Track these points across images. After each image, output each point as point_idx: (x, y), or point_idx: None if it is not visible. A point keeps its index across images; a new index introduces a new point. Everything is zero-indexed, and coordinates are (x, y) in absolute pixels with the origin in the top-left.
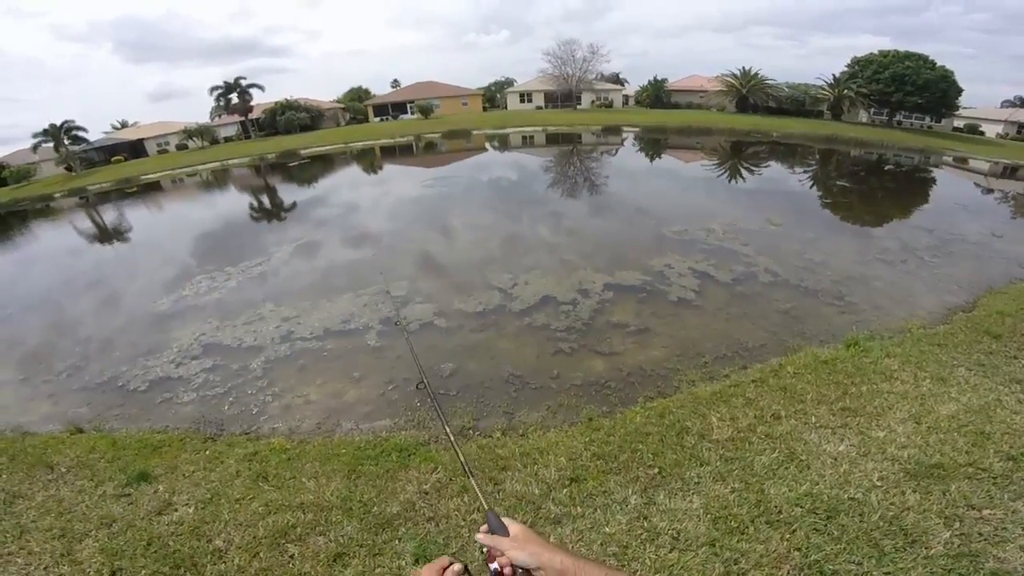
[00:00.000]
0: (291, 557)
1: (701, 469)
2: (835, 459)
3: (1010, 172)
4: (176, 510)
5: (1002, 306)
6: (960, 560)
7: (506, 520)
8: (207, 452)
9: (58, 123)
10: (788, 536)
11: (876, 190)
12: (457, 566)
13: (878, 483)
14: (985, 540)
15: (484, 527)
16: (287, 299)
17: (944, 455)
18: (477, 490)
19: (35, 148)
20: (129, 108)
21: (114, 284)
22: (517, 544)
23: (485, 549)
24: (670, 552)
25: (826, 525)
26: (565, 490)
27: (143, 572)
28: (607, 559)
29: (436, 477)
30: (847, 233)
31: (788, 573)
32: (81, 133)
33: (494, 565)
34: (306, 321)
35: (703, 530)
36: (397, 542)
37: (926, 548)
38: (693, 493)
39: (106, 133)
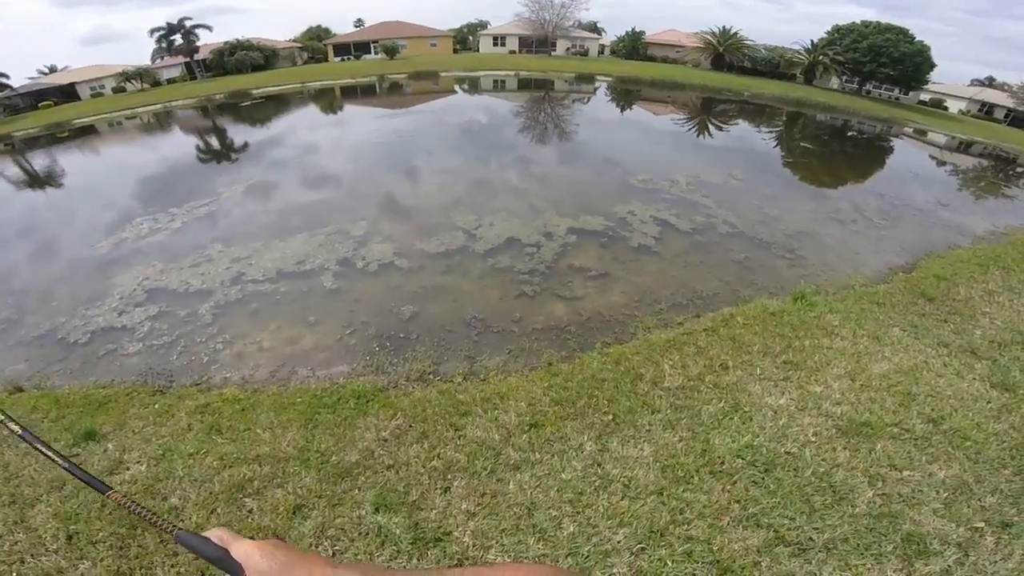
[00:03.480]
0: (249, 511)
1: (652, 416)
2: (775, 412)
3: (964, 147)
4: (128, 468)
5: (939, 270)
6: (881, 520)
7: (214, 533)
8: (156, 406)
9: None
10: (729, 488)
11: (837, 154)
12: None
13: (812, 438)
14: (904, 502)
15: None
16: (237, 240)
17: (873, 414)
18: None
19: None
20: (60, 54)
21: (48, 230)
22: None
23: None
24: (622, 499)
25: (764, 478)
26: (524, 436)
27: (100, 534)
28: (563, 506)
29: (395, 424)
30: (804, 192)
31: (728, 524)
32: (3, 80)
33: None
34: (258, 262)
35: (652, 478)
36: (357, 491)
37: (852, 506)
38: (644, 440)
39: (32, 79)
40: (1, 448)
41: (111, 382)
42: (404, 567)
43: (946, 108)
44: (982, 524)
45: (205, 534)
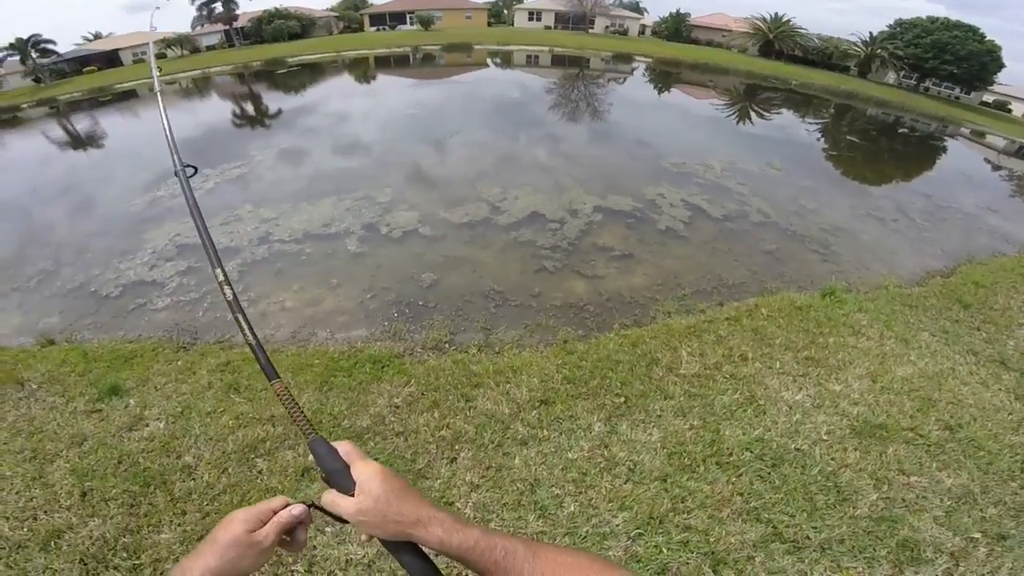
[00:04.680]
0: (259, 472)
1: (665, 403)
2: (790, 407)
3: None
4: (147, 425)
5: (979, 277)
6: (880, 524)
7: (342, 446)
8: (179, 362)
9: (25, 36)
10: (734, 480)
11: (884, 151)
12: (296, 509)
13: (824, 437)
14: (906, 507)
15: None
16: (267, 201)
17: (890, 416)
18: (286, 401)
19: (0, 62)
20: (103, 21)
21: (86, 188)
22: (365, 517)
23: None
24: (625, 483)
25: (770, 473)
26: (534, 412)
27: (113, 491)
28: (566, 485)
29: (408, 391)
30: (845, 187)
31: (728, 516)
32: (50, 46)
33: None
34: (285, 223)
35: (658, 464)
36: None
37: (853, 507)
38: (654, 426)
39: (77, 45)
40: (28, 403)
41: (138, 337)
42: None
43: (1010, 110)
44: (978, 535)
45: (335, 444)
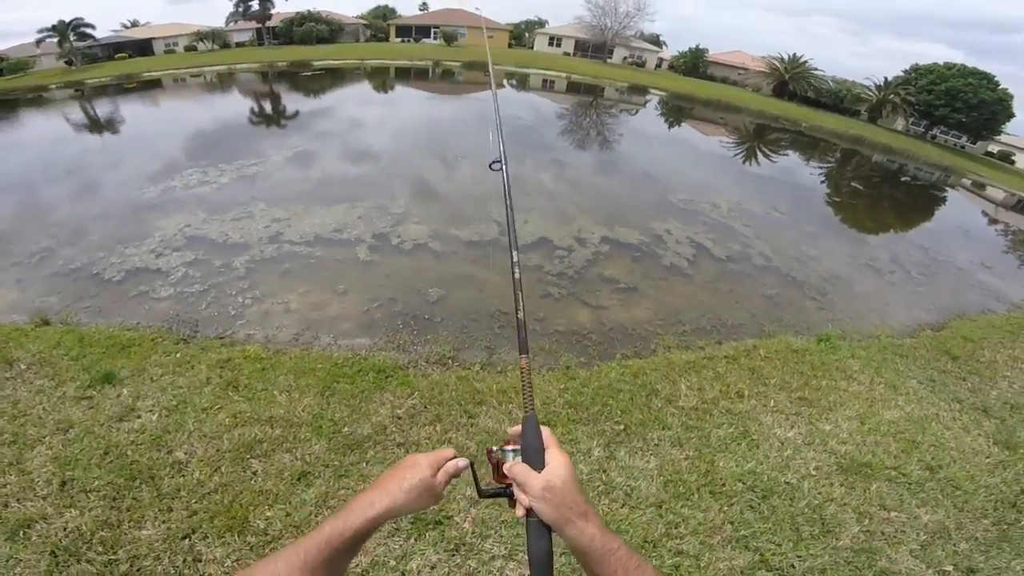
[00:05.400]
0: (254, 473)
1: (663, 432)
2: (782, 443)
3: (1022, 206)
4: (139, 416)
5: (968, 332)
6: (860, 555)
7: (545, 431)
8: (178, 355)
9: (67, 20)
10: (726, 509)
11: (885, 198)
12: (462, 462)
13: (813, 472)
14: (885, 540)
15: (514, 440)
16: (280, 201)
17: (875, 456)
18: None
19: (39, 43)
20: (144, 10)
21: (99, 172)
22: (548, 495)
23: (501, 457)
24: (621, 507)
25: (760, 504)
26: None
27: (96, 483)
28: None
29: (411, 403)
30: (845, 235)
31: (719, 543)
32: (88, 30)
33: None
34: (297, 225)
35: (653, 491)
36: (364, 465)
37: (836, 539)
38: (651, 454)
39: (115, 31)
40: (15, 384)
41: (137, 325)
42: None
43: (1013, 161)
44: (950, 568)
45: (542, 427)
